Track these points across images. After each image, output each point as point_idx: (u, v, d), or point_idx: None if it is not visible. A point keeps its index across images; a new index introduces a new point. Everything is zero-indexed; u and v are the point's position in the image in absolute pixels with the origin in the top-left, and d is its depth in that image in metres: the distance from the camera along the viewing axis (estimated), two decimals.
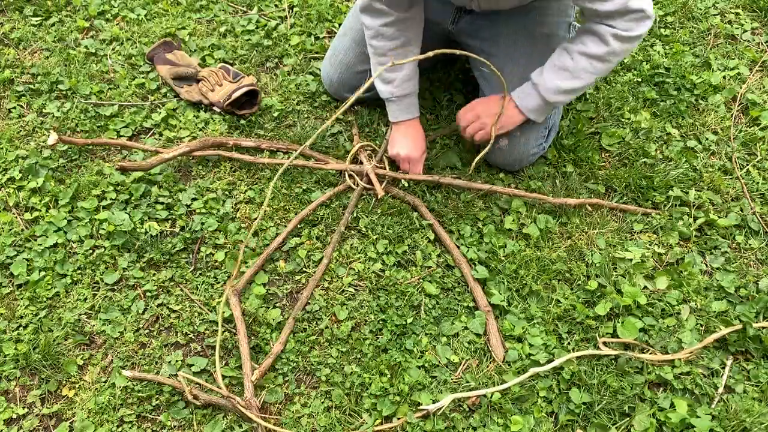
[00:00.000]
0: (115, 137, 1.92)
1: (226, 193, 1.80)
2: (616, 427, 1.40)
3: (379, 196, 1.75)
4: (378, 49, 1.71)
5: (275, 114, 1.99)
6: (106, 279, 1.60)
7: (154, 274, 1.63)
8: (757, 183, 1.88)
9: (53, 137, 1.76)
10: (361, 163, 1.82)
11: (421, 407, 1.39)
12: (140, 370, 1.47)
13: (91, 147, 1.89)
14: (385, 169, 1.82)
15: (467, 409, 1.43)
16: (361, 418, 1.41)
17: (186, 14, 2.32)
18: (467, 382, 1.46)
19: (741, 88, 2.15)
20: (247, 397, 1.38)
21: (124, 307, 1.57)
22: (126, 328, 1.53)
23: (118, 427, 1.38)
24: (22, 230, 1.69)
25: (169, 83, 2.05)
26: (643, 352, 1.50)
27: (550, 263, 1.66)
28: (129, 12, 2.30)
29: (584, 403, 1.42)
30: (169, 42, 2.14)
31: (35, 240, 1.67)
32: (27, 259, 1.63)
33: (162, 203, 1.76)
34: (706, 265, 1.70)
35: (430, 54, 1.37)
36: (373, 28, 1.68)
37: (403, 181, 1.80)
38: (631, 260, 1.67)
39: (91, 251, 1.66)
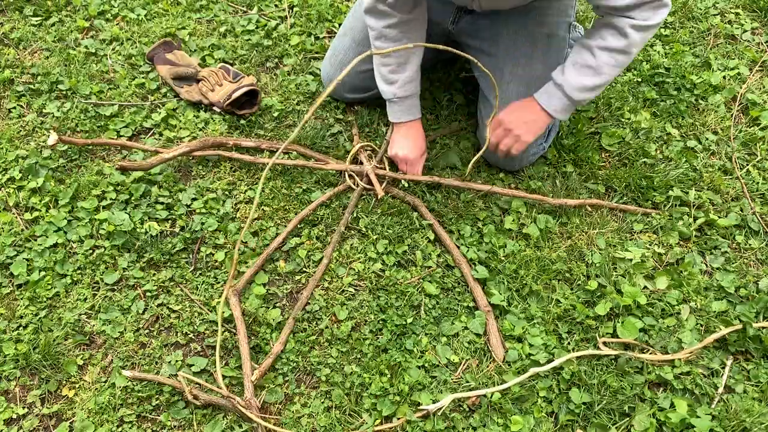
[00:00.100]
0: (115, 137, 1.92)
1: (226, 193, 1.80)
2: (616, 427, 1.40)
3: (379, 197, 1.75)
4: (381, 49, 1.71)
5: (275, 114, 1.99)
6: (106, 279, 1.60)
7: (154, 274, 1.63)
8: (757, 183, 1.88)
9: (53, 137, 1.76)
10: (361, 163, 1.82)
11: (421, 407, 1.39)
12: (140, 370, 1.47)
13: (91, 147, 1.89)
14: (385, 169, 1.82)
15: (467, 409, 1.43)
16: (361, 418, 1.41)
17: (186, 14, 2.32)
18: (467, 382, 1.46)
19: (741, 88, 2.15)
20: (247, 397, 1.38)
21: (124, 307, 1.57)
22: (126, 328, 1.53)
23: (118, 427, 1.38)
24: (22, 230, 1.69)
25: (169, 83, 2.05)
26: (643, 352, 1.50)
27: (550, 263, 1.66)
28: (129, 12, 2.30)
29: (584, 403, 1.42)
30: (169, 42, 2.14)
31: (35, 240, 1.67)
32: (27, 259, 1.63)
33: (162, 203, 1.76)
34: (706, 265, 1.70)
35: (410, 45, 1.38)
36: (376, 30, 1.69)
37: (403, 181, 1.80)
38: (631, 260, 1.67)
39: (91, 251, 1.66)
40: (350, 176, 1.81)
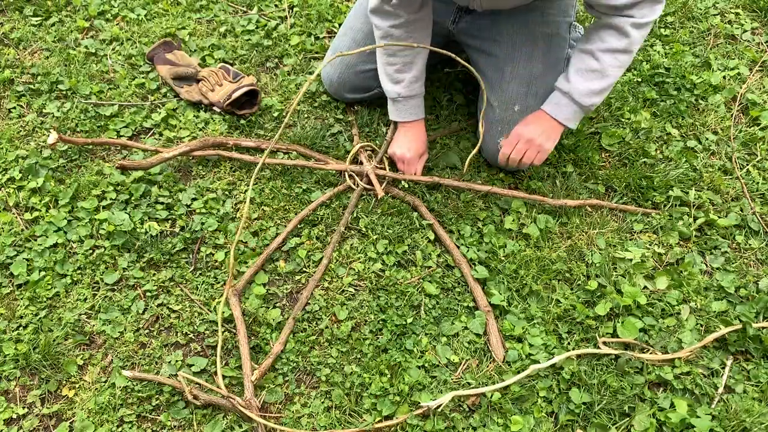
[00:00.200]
0: (115, 137, 1.92)
1: (226, 193, 1.80)
2: (616, 427, 1.40)
3: (379, 197, 1.75)
4: (387, 48, 1.72)
5: (275, 114, 1.99)
6: (106, 279, 1.60)
7: (154, 274, 1.63)
8: (757, 183, 1.88)
9: (53, 136, 1.76)
10: (361, 163, 1.82)
11: (420, 404, 1.39)
12: (140, 370, 1.47)
13: (91, 147, 1.89)
14: (385, 169, 1.82)
15: (467, 409, 1.43)
16: (361, 418, 1.40)
17: (186, 14, 2.32)
18: (467, 382, 1.46)
19: (741, 88, 2.15)
20: (247, 397, 1.38)
21: (124, 307, 1.57)
22: (126, 328, 1.53)
23: (118, 427, 1.38)
24: (22, 230, 1.69)
25: (169, 83, 2.05)
26: (643, 352, 1.50)
27: (550, 263, 1.66)
28: (129, 12, 2.30)
29: (584, 403, 1.42)
30: (169, 42, 2.14)
31: (35, 240, 1.67)
32: (27, 259, 1.63)
33: (162, 203, 1.76)
34: (706, 265, 1.70)
35: (415, 45, 1.37)
36: (382, 29, 1.69)
37: (403, 181, 1.80)
38: (631, 260, 1.67)
39: (91, 251, 1.66)
40: (350, 176, 1.81)
